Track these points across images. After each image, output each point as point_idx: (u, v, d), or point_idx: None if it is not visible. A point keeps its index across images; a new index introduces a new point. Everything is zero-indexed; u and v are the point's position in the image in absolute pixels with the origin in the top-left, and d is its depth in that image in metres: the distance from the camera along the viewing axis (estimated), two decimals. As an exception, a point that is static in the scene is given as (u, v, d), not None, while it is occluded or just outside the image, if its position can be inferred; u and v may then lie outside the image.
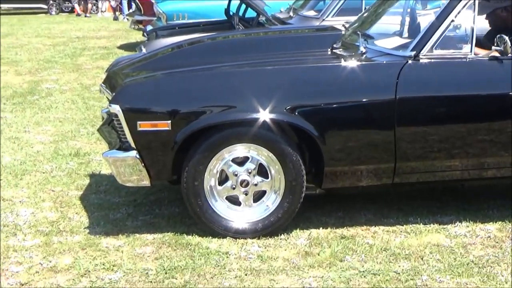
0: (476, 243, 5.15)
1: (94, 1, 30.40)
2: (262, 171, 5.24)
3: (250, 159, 5.20)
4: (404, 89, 5.15)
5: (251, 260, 4.90)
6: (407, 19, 6.15)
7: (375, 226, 5.44)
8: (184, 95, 5.35)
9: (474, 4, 5.28)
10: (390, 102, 5.13)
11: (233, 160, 5.20)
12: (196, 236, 5.13)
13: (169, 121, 5.08)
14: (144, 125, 5.08)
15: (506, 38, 5.14)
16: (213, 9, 11.80)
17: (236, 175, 5.18)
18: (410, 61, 5.23)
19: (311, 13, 11.08)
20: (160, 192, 5.92)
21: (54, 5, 30.94)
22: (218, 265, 4.81)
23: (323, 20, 9.53)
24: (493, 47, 5.25)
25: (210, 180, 5.18)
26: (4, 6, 33.71)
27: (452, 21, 5.29)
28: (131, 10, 20.35)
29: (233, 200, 5.28)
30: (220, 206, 5.22)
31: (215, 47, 7.09)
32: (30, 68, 13.86)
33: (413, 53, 5.24)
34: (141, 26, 16.31)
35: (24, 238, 5.25)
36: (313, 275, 4.64)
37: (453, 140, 5.30)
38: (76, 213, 5.71)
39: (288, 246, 5.12)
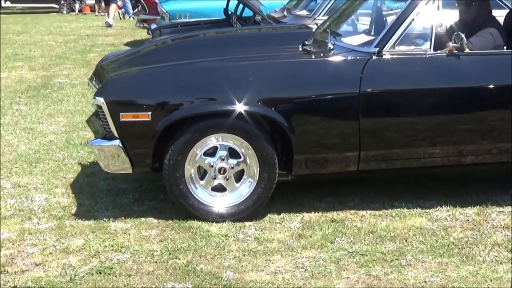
0: (456, 226, 5.19)
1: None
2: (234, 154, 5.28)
3: (219, 147, 5.21)
4: (368, 83, 5.18)
5: (248, 242, 4.93)
6: (374, 18, 6.20)
7: (363, 211, 5.48)
8: (164, 88, 5.37)
9: (434, 4, 5.35)
10: (355, 95, 5.16)
11: (205, 153, 5.21)
12: (197, 220, 5.16)
13: (150, 112, 5.10)
14: (126, 116, 5.11)
15: (462, 35, 5.21)
16: (213, 9, 11.83)
17: (212, 166, 5.21)
18: (374, 57, 5.25)
19: (304, 12, 11.11)
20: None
21: (65, 4, 30.91)
22: (218, 247, 4.83)
23: (315, 19, 9.53)
24: (450, 44, 5.30)
25: (190, 169, 5.21)
26: (19, 5, 33.71)
27: (413, 20, 5.33)
28: (136, 10, 20.35)
29: (218, 188, 5.31)
30: (201, 193, 5.25)
31: (196, 44, 7.12)
32: (43, 63, 13.88)
33: (376, 49, 5.27)
34: (146, 24, 16.32)
35: (38, 222, 5.28)
36: (305, 255, 4.68)
37: (413, 131, 5.37)
38: (86, 199, 5.74)
39: (283, 229, 5.15)
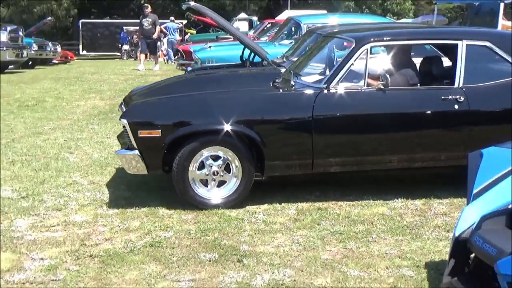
0: (408, 213, 5.23)
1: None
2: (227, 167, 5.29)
3: (221, 157, 5.21)
4: (318, 110, 5.16)
5: (258, 224, 4.98)
6: (326, 62, 6.24)
7: (341, 201, 5.50)
8: (171, 113, 5.32)
9: (367, 52, 5.34)
10: (309, 118, 5.14)
11: (210, 156, 5.21)
12: (221, 208, 5.21)
13: (160, 130, 5.10)
14: (143, 133, 5.11)
15: (387, 75, 5.21)
16: (232, 56, 11.84)
17: (210, 166, 5.19)
18: (323, 91, 5.22)
19: (296, 58, 11.10)
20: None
21: (125, 53, 31.05)
22: (236, 227, 4.89)
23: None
24: (379, 82, 5.30)
25: (193, 173, 5.19)
26: (92, 53, 33.83)
27: (352, 64, 5.32)
28: (177, 57, 20.43)
29: (204, 183, 5.28)
30: (197, 189, 5.23)
31: (198, 81, 7.05)
32: (110, 95, 13.98)
33: (325, 85, 5.25)
34: (184, 67, 16.38)
35: (107, 208, 5.37)
36: (299, 234, 4.74)
37: (352, 144, 5.37)
38: (141, 192, 5.79)
39: (283, 215, 5.20)
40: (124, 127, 5.31)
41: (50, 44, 23.89)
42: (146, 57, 20.88)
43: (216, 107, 5.31)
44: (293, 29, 13.00)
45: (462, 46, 5.42)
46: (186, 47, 15.79)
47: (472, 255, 3.23)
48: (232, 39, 13.19)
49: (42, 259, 4.31)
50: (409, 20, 26.34)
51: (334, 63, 5.71)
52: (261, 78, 6.58)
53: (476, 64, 5.49)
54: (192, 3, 13.81)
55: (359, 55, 5.38)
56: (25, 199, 5.57)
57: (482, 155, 3.65)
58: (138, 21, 18.80)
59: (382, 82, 5.24)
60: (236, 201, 5.27)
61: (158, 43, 21.34)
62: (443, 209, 5.32)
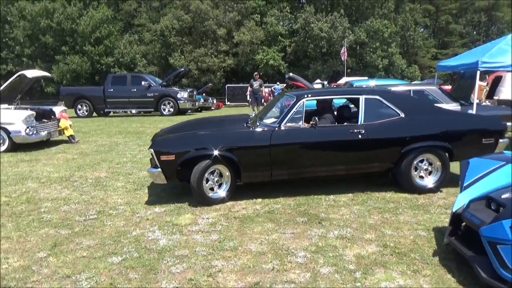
0: (421, 197, 5.31)
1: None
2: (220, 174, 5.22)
3: (215, 171, 5.17)
4: (274, 140, 5.15)
5: (330, 202, 5.18)
6: (280, 109, 6.05)
7: (380, 191, 5.59)
8: (181, 144, 5.21)
9: (303, 104, 5.38)
10: (268, 145, 5.14)
11: (210, 173, 5.15)
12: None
13: (174, 155, 5.08)
14: (163, 157, 5.08)
15: (316, 118, 5.32)
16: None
17: (212, 179, 5.19)
18: (276, 129, 5.24)
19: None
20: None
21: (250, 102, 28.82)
22: (318, 203, 5.11)
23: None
24: (310, 122, 5.33)
25: (205, 183, 5.13)
26: (232, 103, 35.52)
27: (294, 111, 5.33)
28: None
29: (211, 189, 5.21)
30: (209, 192, 5.19)
31: (199, 122, 6.66)
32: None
33: (277, 125, 5.28)
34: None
35: (242, 192, 5.51)
36: (355, 208, 4.91)
37: (295, 160, 5.23)
38: (266, 185, 5.72)
39: (345, 197, 5.35)
40: (151, 154, 5.20)
41: (210, 98, 27.56)
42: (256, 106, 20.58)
43: (209, 140, 5.18)
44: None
45: (362, 99, 5.50)
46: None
47: (463, 224, 3.51)
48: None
49: (207, 218, 4.75)
50: (418, 82, 27.09)
51: (284, 110, 5.61)
52: (240, 121, 6.21)
53: (371, 109, 5.46)
54: (291, 74, 15.18)
55: (298, 106, 5.36)
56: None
57: (469, 163, 3.88)
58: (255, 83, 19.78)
59: (312, 122, 5.28)
60: (226, 200, 5.23)
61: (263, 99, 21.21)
62: (443, 195, 5.37)
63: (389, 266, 3.50)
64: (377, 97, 5.56)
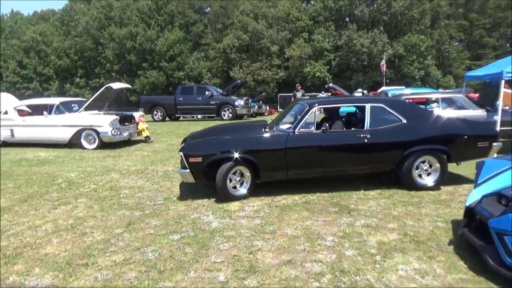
0: (443, 193, 5.17)
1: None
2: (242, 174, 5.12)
3: (238, 171, 5.09)
4: (289, 143, 5.06)
5: (360, 195, 5.14)
6: (294, 116, 5.79)
7: (404, 188, 5.46)
8: (207, 148, 5.12)
9: (315, 111, 5.29)
10: (284, 148, 5.04)
11: (233, 173, 5.07)
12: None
13: (201, 157, 5.00)
14: (191, 159, 5.00)
15: (327, 124, 5.24)
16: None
17: (235, 178, 5.10)
18: (291, 134, 5.15)
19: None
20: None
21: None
22: (349, 196, 5.09)
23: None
24: (322, 127, 5.26)
25: (228, 182, 5.05)
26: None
27: (307, 118, 5.25)
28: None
29: (234, 187, 5.12)
30: (232, 190, 5.10)
31: (223, 128, 6.46)
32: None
33: (292, 130, 5.18)
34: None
35: (281, 187, 5.47)
36: (381, 201, 4.85)
37: (309, 161, 5.11)
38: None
39: (373, 192, 5.29)
40: (181, 156, 5.11)
41: (263, 105, 27.50)
42: None
43: (232, 144, 5.09)
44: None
45: (368, 106, 5.40)
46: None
47: (477, 217, 3.41)
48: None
49: (252, 206, 4.84)
50: (450, 90, 25.90)
51: (298, 117, 5.48)
52: (258, 126, 6.05)
53: (376, 116, 5.37)
54: (330, 84, 15.22)
55: (310, 113, 5.29)
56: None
57: (484, 162, 3.81)
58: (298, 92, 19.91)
59: (323, 128, 5.21)
60: (247, 196, 5.14)
61: None
62: (465, 192, 5.24)
63: (407, 252, 3.48)
64: (382, 105, 5.48)
